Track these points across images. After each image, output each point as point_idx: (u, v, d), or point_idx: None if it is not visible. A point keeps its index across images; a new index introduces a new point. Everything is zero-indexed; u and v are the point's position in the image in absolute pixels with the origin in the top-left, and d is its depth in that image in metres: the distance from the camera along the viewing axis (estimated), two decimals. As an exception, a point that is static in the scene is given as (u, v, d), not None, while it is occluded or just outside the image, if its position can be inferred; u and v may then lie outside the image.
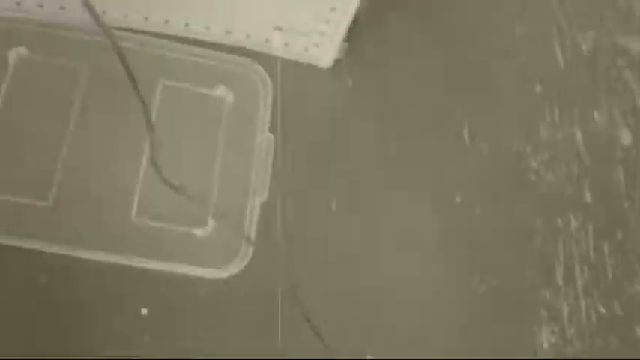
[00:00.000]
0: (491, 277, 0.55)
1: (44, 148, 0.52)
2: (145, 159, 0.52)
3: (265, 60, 0.58)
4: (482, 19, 0.65)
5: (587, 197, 0.59)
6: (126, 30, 0.56)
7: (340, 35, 0.56)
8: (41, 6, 0.55)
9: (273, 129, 0.55)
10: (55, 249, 0.49)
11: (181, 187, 0.45)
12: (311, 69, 0.59)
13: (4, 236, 0.48)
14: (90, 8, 0.40)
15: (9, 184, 0.50)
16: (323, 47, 0.57)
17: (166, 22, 0.57)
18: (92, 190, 0.51)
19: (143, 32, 0.56)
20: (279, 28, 0.57)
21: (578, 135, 0.61)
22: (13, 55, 0.54)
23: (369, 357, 0.50)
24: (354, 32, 0.56)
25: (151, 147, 0.41)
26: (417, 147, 0.58)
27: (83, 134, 0.53)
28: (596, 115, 0.62)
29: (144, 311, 0.49)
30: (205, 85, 0.56)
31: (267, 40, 0.58)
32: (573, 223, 0.58)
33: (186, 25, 0.57)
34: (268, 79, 0.57)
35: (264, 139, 0.55)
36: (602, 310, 0.56)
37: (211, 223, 0.52)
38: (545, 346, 0.54)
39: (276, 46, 0.58)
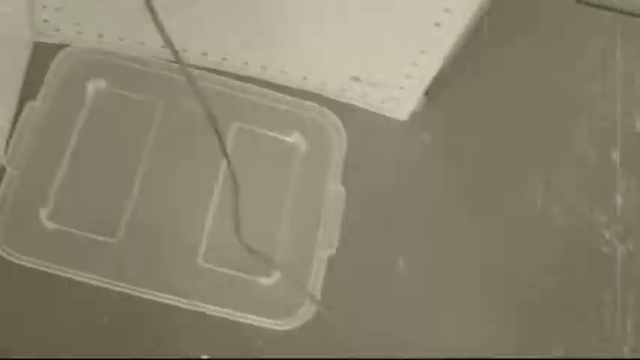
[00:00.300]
0: (558, 348, 0.54)
1: (115, 183, 0.52)
2: (215, 201, 0.52)
3: (340, 108, 0.57)
4: (563, 78, 0.64)
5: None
6: (204, 69, 0.56)
7: (420, 91, 0.55)
8: (122, 39, 0.55)
9: (344, 180, 0.54)
10: (119, 287, 0.48)
11: (254, 250, 0.45)
12: (386, 120, 0.58)
13: (69, 270, 0.48)
14: (169, 45, 0.40)
15: (77, 217, 0.50)
16: (401, 101, 0.56)
17: (245, 64, 0.56)
18: (160, 230, 0.51)
19: (221, 72, 0.56)
20: (357, 79, 0.56)
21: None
22: (92, 86, 0.54)
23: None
24: (434, 87, 0.55)
25: (235, 211, 0.40)
26: (488, 209, 0.57)
27: (155, 172, 0.52)
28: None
29: (204, 357, 0.48)
30: (280, 130, 0.55)
31: (344, 89, 0.57)
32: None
33: (264, 68, 0.56)
34: (343, 128, 0.56)
35: (334, 190, 0.54)
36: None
37: (276, 274, 0.51)
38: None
39: (353, 96, 0.57)
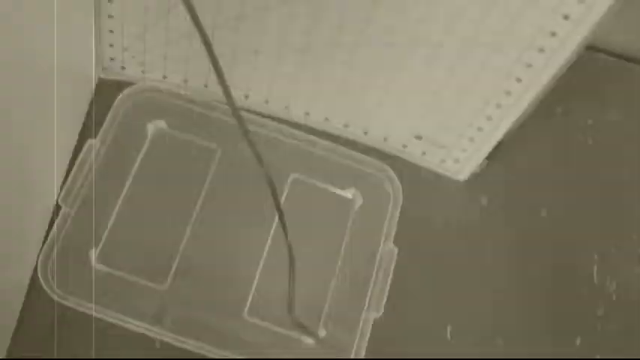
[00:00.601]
0: None
1: (167, 228, 0.51)
2: (266, 254, 0.51)
3: (399, 165, 0.56)
4: (631, 147, 0.62)
5: None
6: (266, 116, 0.55)
7: (482, 155, 0.53)
8: (186, 81, 0.55)
9: (397, 239, 0.53)
10: (162, 335, 0.48)
11: (303, 325, 0.44)
12: (445, 180, 0.57)
13: (113, 314, 0.48)
14: (225, 88, 0.39)
15: (127, 261, 0.50)
16: (462, 162, 0.55)
17: (306, 114, 0.56)
18: (209, 280, 0.51)
19: (283, 121, 0.55)
20: (419, 137, 0.55)
21: None
22: (152, 127, 0.54)
23: None
24: (497, 149, 0.54)
25: (290, 295, 0.40)
26: (541, 280, 0.55)
27: (208, 219, 0.52)
28: None
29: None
30: (336, 184, 0.55)
31: (404, 146, 0.56)
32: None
33: (326, 119, 0.56)
34: (400, 186, 0.55)
35: (386, 249, 0.53)
36: None
37: (322, 332, 0.50)
38: None
39: (413, 153, 0.56)
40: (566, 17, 0.42)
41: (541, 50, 0.44)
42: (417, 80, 0.50)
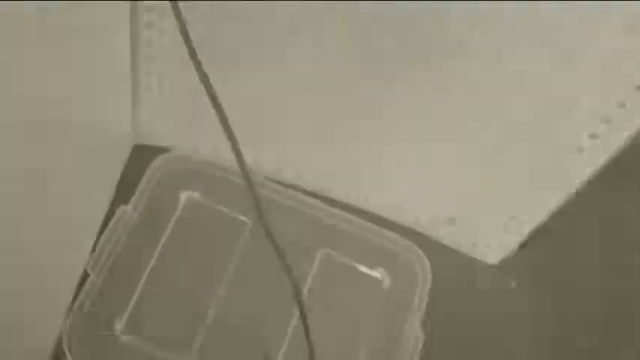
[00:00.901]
0: None
1: (194, 300, 0.51)
2: (290, 333, 0.51)
3: (429, 245, 0.55)
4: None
5: None
6: (299, 189, 0.55)
7: (515, 243, 0.53)
8: (220, 150, 0.55)
9: (424, 321, 0.53)
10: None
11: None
12: (475, 263, 0.56)
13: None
14: (240, 162, 0.39)
15: (152, 331, 0.50)
16: (494, 247, 0.54)
17: (339, 189, 0.55)
18: (233, 355, 0.50)
19: (317, 195, 0.55)
20: (451, 220, 0.54)
21: None
22: (184, 196, 0.54)
23: None
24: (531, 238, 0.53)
25: None
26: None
27: (234, 293, 0.52)
28: None
29: None
30: (365, 262, 0.54)
31: (436, 227, 0.55)
32: None
33: (357, 195, 0.55)
34: (429, 268, 0.54)
35: (412, 332, 0.52)
36: None
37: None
38: None
39: (445, 235, 0.56)
40: (607, 121, 0.41)
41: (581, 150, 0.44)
42: (454, 163, 0.50)
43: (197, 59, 0.34)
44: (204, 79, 0.35)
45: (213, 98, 0.36)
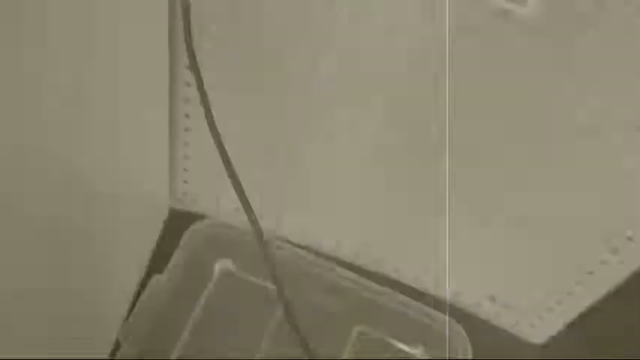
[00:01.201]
0: None
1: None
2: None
3: (470, 322, 0.53)
4: None
5: None
6: (340, 262, 0.54)
7: (560, 325, 0.51)
8: (260, 217, 0.54)
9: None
10: None
11: None
12: (519, 342, 0.54)
13: None
14: (257, 231, 0.38)
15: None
16: (538, 327, 0.52)
17: (377, 262, 0.54)
18: None
19: (354, 267, 0.54)
20: (493, 299, 0.52)
21: None
22: (219, 266, 0.53)
23: None
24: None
25: None
26: None
27: (267, 369, 0.50)
28: None
29: None
30: (405, 340, 0.52)
31: (477, 304, 0.53)
32: None
33: (396, 270, 0.54)
34: (470, 347, 0.52)
35: (452, 413, 0.50)
36: None
37: None
38: None
39: (486, 312, 0.54)
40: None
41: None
42: (498, 241, 0.48)
43: (216, 130, 0.34)
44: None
45: (228, 164, 0.36)
